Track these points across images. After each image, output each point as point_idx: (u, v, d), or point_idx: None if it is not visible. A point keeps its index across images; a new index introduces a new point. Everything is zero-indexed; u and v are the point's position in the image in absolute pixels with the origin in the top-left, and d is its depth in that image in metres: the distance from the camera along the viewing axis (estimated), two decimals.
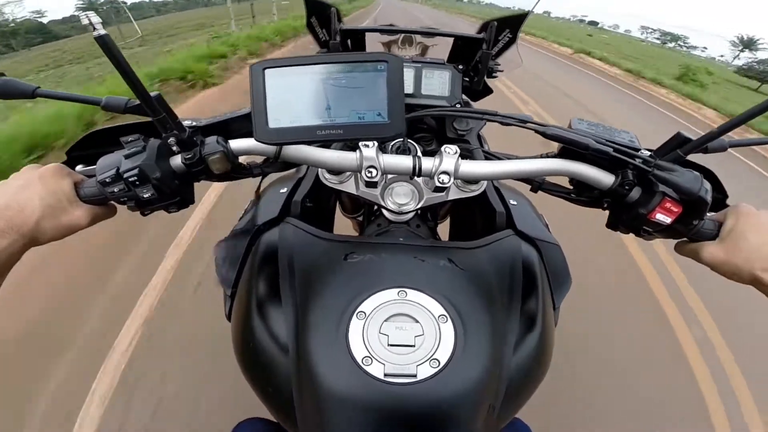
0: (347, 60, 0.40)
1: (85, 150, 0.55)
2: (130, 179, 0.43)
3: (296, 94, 0.40)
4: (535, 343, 0.50)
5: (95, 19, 0.35)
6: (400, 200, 0.57)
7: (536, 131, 0.47)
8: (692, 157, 0.47)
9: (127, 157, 0.44)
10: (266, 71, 0.39)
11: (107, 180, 0.43)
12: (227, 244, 0.61)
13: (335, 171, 0.57)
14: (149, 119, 0.45)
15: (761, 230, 0.44)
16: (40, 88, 0.46)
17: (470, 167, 0.50)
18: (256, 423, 0.60)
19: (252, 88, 0.40)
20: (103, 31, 0.35)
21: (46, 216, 0.42)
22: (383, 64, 0.40)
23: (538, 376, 0.51)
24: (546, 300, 0.56)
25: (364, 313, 0.42)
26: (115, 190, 0.44)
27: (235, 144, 0.48)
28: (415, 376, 0.39)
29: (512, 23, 0.82)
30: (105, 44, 0.36)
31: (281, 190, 0.66)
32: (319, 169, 0.60)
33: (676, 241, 0.52)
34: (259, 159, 0.53)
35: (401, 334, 0.41)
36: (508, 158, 0.58)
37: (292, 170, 0.69)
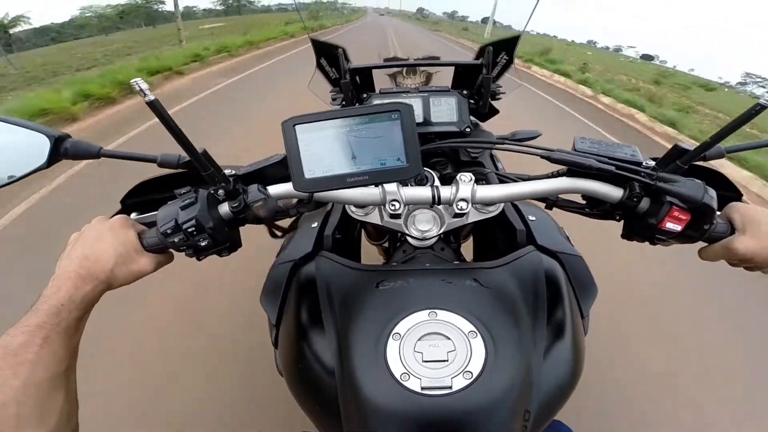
0: (364, 112, 0.44)
1: (136, 197, 0.61)
2: (188, 230, 0.49)
3: (325, 146, 0.44)
4: (564, 350, 0.53)
5: (144, 85, 0.39)
6: (423, 227, 0.61)
7: (542, 156, 0.51)
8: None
9: (182, 208, 0.49)
10: (296, 127, 0.44)
11: (168, 231, 0.49)
12: (269, 278, 0.66)
13: (361, 205, 0.62)
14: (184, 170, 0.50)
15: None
16: (103, 148, 0.51)
17: (486, 192, 0.54)
18: None
19: (286, 144, 0.45)
20: (152, 96, 0.40)
21: (118, 264, 0.48)
22: (396, 113, 0.44)
23: (570, 381, 0.53)
24: (573, 309, 0.58)
25: (399, 335, 0.46)
26: (176, 240, 0.49)
27: (274, 190, 0.53)
28: (450, 387, 0.41)
29: (507, 46, 0.87)
30: (155, 108, 0.40)
31: (312, 225, 0.72)
32: (346, 204, 0.65)
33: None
34: (294, 200, 0.58)
35: (434, 350, 0.44)
36: (522, 179, 0.61)
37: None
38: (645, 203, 0.51)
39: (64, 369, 0.42)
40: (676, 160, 0.49)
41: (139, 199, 0.62)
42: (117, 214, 0.59)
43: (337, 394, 0.48)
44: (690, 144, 0.50)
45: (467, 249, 0.97)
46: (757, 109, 0.41)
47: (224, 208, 0.52)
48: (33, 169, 0.50)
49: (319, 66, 0.93)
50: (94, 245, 0.48)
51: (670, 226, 0.49)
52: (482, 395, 0.42)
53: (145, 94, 0.39)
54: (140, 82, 0.39)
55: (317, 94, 1.01)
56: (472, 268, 0.57)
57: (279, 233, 0.60)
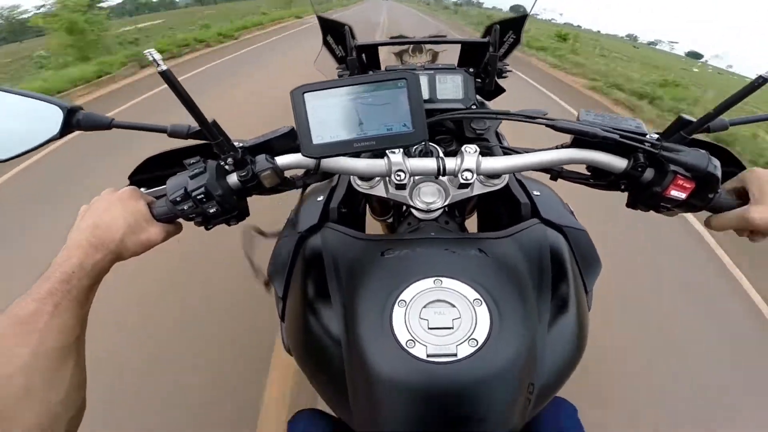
0: (372, 80, 0.45)
1: (144, 174, 0.62)
2: (197, 197, 0.49)
3: (333, 113, 0.45)
4: (568, 324, 0.53)
5: (157, 56, 0.39)
6: (428, 199, 0.62)
7: (546, 125, 0.51)
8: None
9: (191, 177, 0.50)
10: (305, 95, 0.45)
11: (178, 199, 0.50)
12: (275, 252, 0.67)
13: (366, 177, 0.62)
14: (198, 142, 0.51)
15: None
16: (114, 119, 0.52)
17: (491, 163, 0.54)
18: (312, 413, 0.66)
19: (295, 111, 0.45)
20: (164, 66, 0.40)
21: (128, 234, 0.49)
22: (403, 81, 0.44)
23: (574, 355, 0.53)
24: (577, 283, 0.58)
25: (405, 302, 0.46)
26: (185, 207, 0.50)
27: (281, 160, 0.54)
28: (455, 355, 0.42)
29: (514, 25, 0.86)
30: (167, 78, 0.41)
31: (318, 199, 0.72)
32: (351, 177, 0.65)
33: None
34: (300, 172, 0.59)
35: (440, 318, 0.44)
36: (526, 152, 0.61)
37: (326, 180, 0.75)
38: (649, 173, 0.51)
39: (74, 339, 0.43)
40: (680, 130, 0.49)
41: (147, 176, 0.63)
42: None
43: (344, 364, 0.48)
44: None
45: (471, 225, 0.98)
46: (759, 82, 0.41)
47: (232, 178, 0.53)
48: (46, 139, 0.51)
49: (326, 43, 0.93)
50: (104, 215, 0.49)
51: (675, 193, 0.49)
52: (487, 364, 0.42)
53: (158, 64, 0.40)
54: (153, 53, 0.39)
55: (323, 71, 1.01)
56: (477, 238, 0.58)
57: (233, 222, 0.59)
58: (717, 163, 0.47)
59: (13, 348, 0.38)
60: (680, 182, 0.48)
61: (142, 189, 0.60)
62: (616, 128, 0.51)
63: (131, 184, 0.62)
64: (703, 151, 0.48)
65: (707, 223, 0.54)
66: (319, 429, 0.62)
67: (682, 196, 0.49)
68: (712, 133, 0.52)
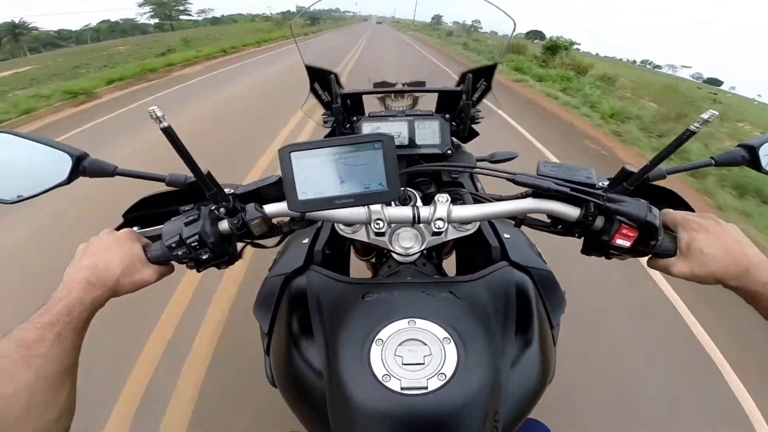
0: (352, 142, 0.50)
1: (137, 212, 0.66)
2: (191, 244, 0.54)
3: (316, 171, 0.50)
4: (532, 356, 0.58)
5: (159, 113, 0.43)
6: (406, 244, 0.67)
7: (507, 179, 0.57)
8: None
9: (186, 224, 0.54)
10: (291, 154, 0.50)
11: (173, 244, 0.54)
12: (262, 290, 0.71)
13: (348, 223, 0.67)
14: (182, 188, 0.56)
15: (713, 244, 0.51)
16: (118, 167, 0.55)
17: (461, 212, 0.60)
18: None
19: (282, 168, 0.50)
20: (166, 123, 0.45)
21: (125, 274, 0.53)
22: (379, 143, 0.50)
23: (538, 384, 0.58)
24: (541, 320, 0.64)
25: (381, 340, 0.51)
26: (179, 253, 0.54)
27: (269, 208, 0.58)
28: (426, 388, 0.46)
29: (485, 73, 0.94)
30: (168, 133, 0.45)
31: (303, 241, 0.77)
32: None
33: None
34: (287, 218, 0.64)
35: (413, 355, 0.49)
36: (495, 200, 0.67)
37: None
38: (599, 221, 0.56)
39: (70, 365, 0.46)
40: (624, 181, 0.55)
41: (140, 214, 0.67)
42: (120, 227, 0.63)
43: (326, 396, 0.52)
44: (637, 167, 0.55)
45: (450, 264, 1.03)
46: (687, 135, 0.47)
47: (224, 225, 0.57)
48: (55, 184, 0.54)
49: (313, 90, 0.99)
50: (102, 255, 0.52)
51: (620, 242, 0.55)
52: (455, 395, 0.47)
53: (160, 121, 0.44)
54: (156, 110, 0.44)
55: (311, 116, 1.07)
56: (449, 281, 0.63)
57: (268, 245, 0.66)
58: (656, 212, 0.53)
59: (18, 369, 0.41)
60: (624, 231, 0.54)
61: (136, 228, 0.64)
62: (569, 180, 0.57)
63: (125, 221, 0.66)
64: (643, 201, 0.54)
65: (647, 263, 0.60)
66: None
67: (627, 244, 0.55)
68: (653, 181, 0.58)
